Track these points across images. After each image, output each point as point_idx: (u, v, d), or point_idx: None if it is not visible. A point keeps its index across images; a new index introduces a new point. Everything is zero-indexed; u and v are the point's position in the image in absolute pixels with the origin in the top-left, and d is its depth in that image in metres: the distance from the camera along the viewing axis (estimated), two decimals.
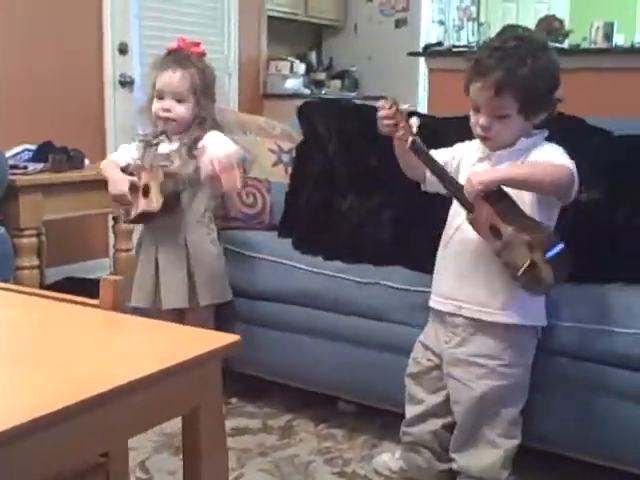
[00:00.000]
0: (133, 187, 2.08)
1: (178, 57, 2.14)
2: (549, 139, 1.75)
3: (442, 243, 1.82)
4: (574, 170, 1.64)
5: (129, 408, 0.94)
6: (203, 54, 2.21)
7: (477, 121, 1.70)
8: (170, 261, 2.15)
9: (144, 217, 2.11)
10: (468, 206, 1.66)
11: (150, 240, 2.20)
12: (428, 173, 1.81)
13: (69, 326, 1.15)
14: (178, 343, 1.08)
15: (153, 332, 1.16)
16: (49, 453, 0.86)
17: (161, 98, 2.14)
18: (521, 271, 1.58)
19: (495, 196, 1.61)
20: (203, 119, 2.15)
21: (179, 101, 2.12)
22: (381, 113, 1.71)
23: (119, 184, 2.09)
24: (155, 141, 2.19)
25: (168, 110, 2.12)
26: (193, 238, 2.15)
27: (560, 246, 1.58)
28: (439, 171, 1.73)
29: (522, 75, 1.62)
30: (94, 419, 0.89)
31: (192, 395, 1.05)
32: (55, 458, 0.87)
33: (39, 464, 0.85)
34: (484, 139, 1.73)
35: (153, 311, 2.11)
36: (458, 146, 1.87)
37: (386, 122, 1.71)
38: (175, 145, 2.15)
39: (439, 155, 1.81)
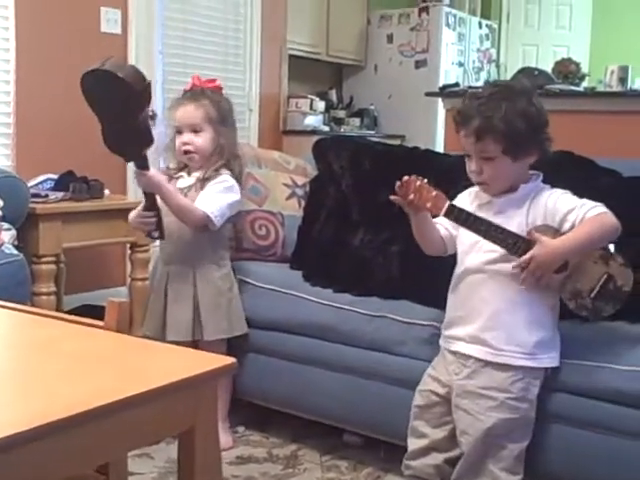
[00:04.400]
0: None
1: (192, 93, 2.26)
2: (559, 180, 1.80)
3: (451, 287, 1.88)
4: (610, 212, 1.70)
5: (125, 423, 0.97)
6: (219, 88, 2.30)
7: (469, 167, 1.79)
8: (178, 295, 2.22)
9: None
10: (520, 253, 1.71)
11: (162, 272, 2.27)
12: (443, 234, 1.89)
13: (72, 344, 1.20)
14: (175, 364, 1.12)
15: (151, 352, 1.20)
16: (47, 462, 0.89)
17: (180, 133, 2.24)
18: (598, 286, 1.58)
19: None
20: (222, 148, 2.23)
21: (196, 132, 2.21)
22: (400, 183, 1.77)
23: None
24: (176, 175, 2.28)
25: (187, 143, 2.22)
26: (202, 273, 2.22)
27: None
28: (488, 229, 1.74)
29: (499, 119, 1.71)
30: (92, 431, 0.93)
31: (187, 414, 1.08)
32: (52, 468, 0.90)
33: (38, 472, 0.89)
34: (480, 184, 1.81)
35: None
36: None
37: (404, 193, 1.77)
38: (192, 180, 2.24)
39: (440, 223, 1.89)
